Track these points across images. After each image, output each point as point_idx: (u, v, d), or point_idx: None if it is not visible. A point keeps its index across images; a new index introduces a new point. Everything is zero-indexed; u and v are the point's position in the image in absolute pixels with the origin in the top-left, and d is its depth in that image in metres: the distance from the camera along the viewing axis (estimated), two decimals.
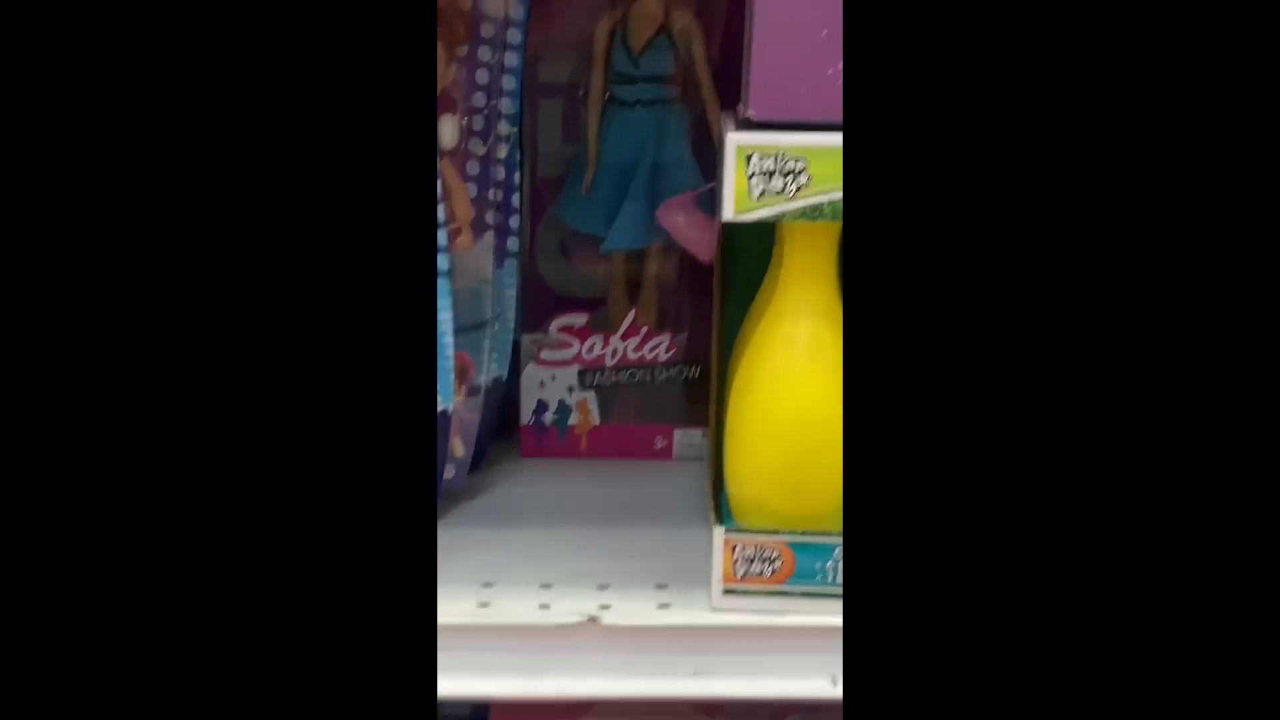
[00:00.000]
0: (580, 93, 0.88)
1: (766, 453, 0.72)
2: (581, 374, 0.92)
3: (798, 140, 0.66)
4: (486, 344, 0.85)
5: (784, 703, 0.74)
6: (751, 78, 0.67)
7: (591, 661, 0.71)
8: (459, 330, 0.80)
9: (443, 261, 0.76)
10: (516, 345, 0.90)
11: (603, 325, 0.91)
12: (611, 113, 0.87)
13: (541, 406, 0.92)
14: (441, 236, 0.76)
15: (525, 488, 0.88)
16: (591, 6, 0.87)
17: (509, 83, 0.81)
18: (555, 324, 0.90)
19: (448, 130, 0.80)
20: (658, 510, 0.83)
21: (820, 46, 0.66)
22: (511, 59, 0.81)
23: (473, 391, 0.83)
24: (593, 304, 0.91)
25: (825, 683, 0.71)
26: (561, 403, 0.92)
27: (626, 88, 0.86)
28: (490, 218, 0.83)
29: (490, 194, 0.83)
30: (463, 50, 0.80)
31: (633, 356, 0.92)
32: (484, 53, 0.80)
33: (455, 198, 0.80)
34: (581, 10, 0.87)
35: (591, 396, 0.92)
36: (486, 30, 0.80)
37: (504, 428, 0.92)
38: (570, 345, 0.92)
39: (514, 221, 0.84)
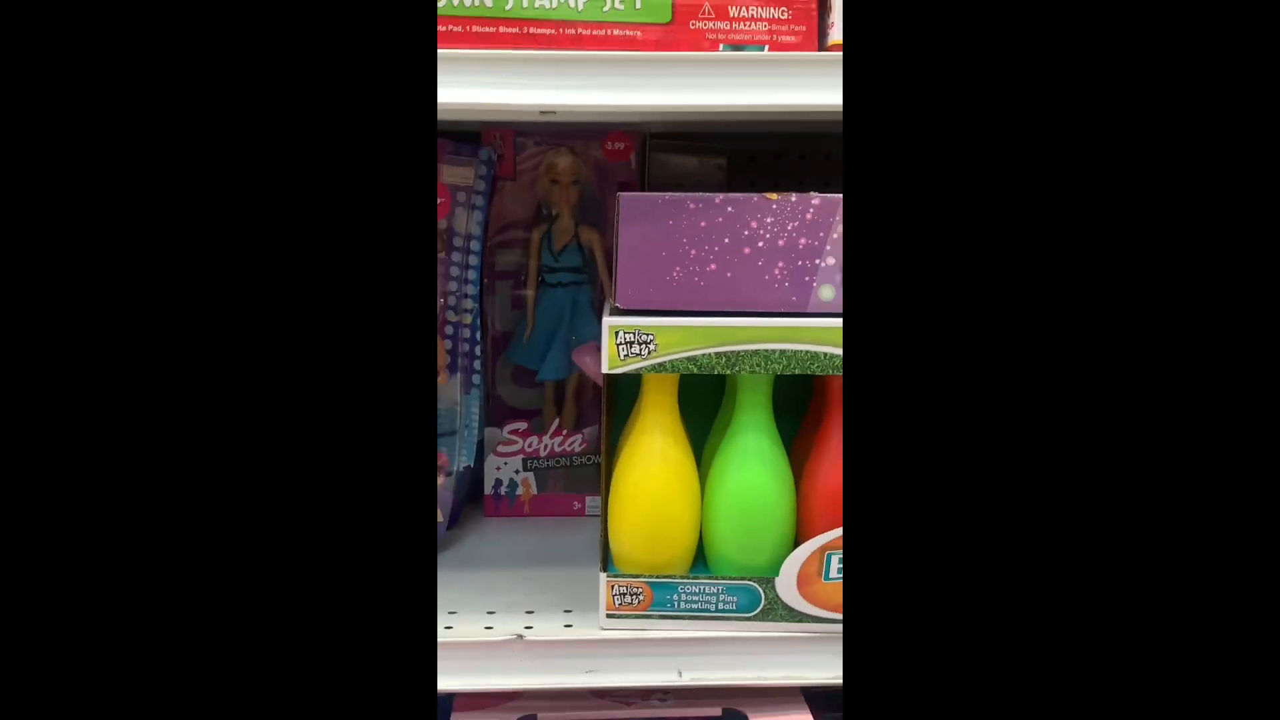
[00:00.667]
0: (522, 277, 0.89)
1: (631, 522, 0.70)
2: (524, 461, 0.92)
3: (648, 322, 0.66)
4: (457, 444, 0.84)
5: (646, 688, 0.73)
6: (617, 281, 0.67)
7: (518, 665, 0.69)
8: (438, 439, 0.80)
9: None
10: (481, 443, 0.89)
11: (538, 428, 0.91)
12: (542, 290, 0.89)
13: (498, 483, 0.91)
14: None
15: (484, 541, 0.87)
16: (527, 223, 0.88)
17: (472, 275, 0.82)
18: (507, 428, 0.90)
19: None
20: (571, 556, 0.82)
21: (661, 261, 0.66)
22: (473, 260, 0.82)
23: (448, 476, 0.83)
24: (531, 414, 0.91)
25: (673, 675, 0.70)
26: (511, 480, 0.92)
27: (551, 274, 0.88)
28: (460, 362, 0.83)
29: (461, 346, 0.83)
30: (442, 256, 0.81)
31: (558, 449, 0.92)
32: (456, 256, 0.81)
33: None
34: (521, 225, 0.88)
35: (531, 476, 0.92)
36: (458, 243, 0.81)
37: (473, 497, 0.92)
38: (516, 442, 0.91)
39: (477, 364, 0.85)
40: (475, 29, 0.63)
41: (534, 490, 0.92)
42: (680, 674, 0.69)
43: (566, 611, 0.72)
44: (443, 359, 0.81)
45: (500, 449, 0.91)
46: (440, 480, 0.81)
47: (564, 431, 0.92)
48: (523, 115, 0.74)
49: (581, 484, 0.91)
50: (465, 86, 0.62)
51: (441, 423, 0.80)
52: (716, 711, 0.73)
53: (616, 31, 0.64)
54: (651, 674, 0.69)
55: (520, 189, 0.88)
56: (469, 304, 0.83)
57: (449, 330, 0.82)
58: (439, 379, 0.80)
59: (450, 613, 0.72)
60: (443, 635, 0.69)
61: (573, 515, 0.91)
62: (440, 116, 0.78)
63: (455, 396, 0.83)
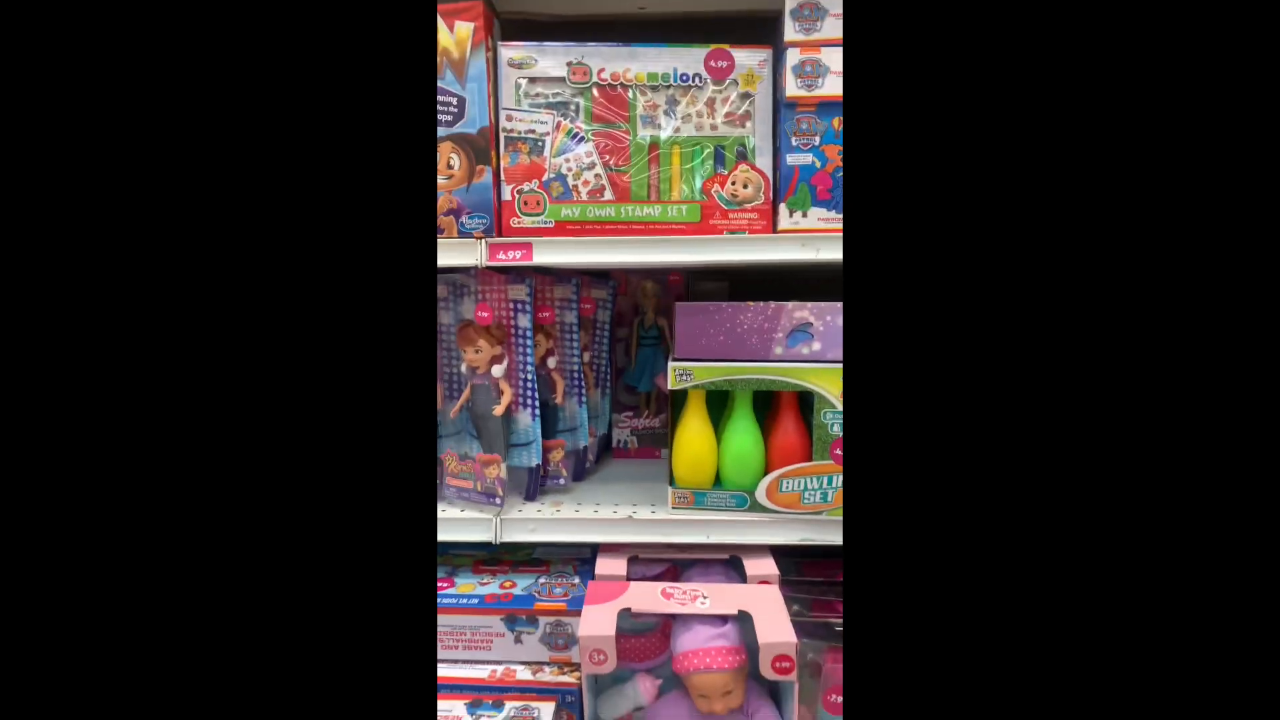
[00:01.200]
0: (629, 340, 0.89)
1: (682, 462, 0.70)
2: (631, 430, 0.90)
3: (690, 364, 0.66)
4: (600, 422, 0.85)
5: (691, 544, 0.69)
6: (675, 344, 0.68)
7: (629, 530, 0.69)
8: (590, 419, 0.80)
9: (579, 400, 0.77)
10: (610, 421, 0.89)
11: (639, 414, 0.90)
12: (639, 347, 0.88)
13: (620, 440, 0.90)
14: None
15: (614, 470, 0.86)
16: (632, 315, 0.89)
17: (605, 342, 0.84)
18: (624, 413, 0.90)
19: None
20: (655, 477, 0.81)
21: (696, 334, 0.66)
22: (606, 334, 0.83)
23: (595, 438, 0.84)
24: (635, 407, 0.90)
25: (704, 537, 0.68)
26: (626, 439, 0.90)
27: (644, 340, 0.88)
28: (600, 384, 0.84)
29: (600, 376, 0.84)
30: (590, 333, 0.82)
31: (648, 424, 0.91)
32: (597, 334, 0.83)
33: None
34: (629, 317, 0.89)
35: (635, 438, 0.91)
36: (598, 327, 0.83)
37: (607, 448, 0.91)
38: (627, 423, 0.90)
39: (606, 383, 0.86)
40: (607, 226, 0.65)
41: (637, 445, 0.91)
42: (708, 537, 0.68)
43: (652, 505, 0.72)
44: (592, 381, 0.83)
45: (620, 424, 0.90)
46: (590, 441, 0.82)
47: (650, 415, 0.91)
48: (629, 266, 0.78)
49: (660, 442, 0.90)
50: (601, 254, 0.65)
51: (590, 411, 0.81)
52: (725, 556, 0.72)
53: (675, 225, 0.65)
54: (693, 536, 0.69)
55: (629, 298, 0.89)
56: (604, 356, 0.84)
57: (594, 367, 0.82)
58: (592, 394, 0.80)
59: (596, 504, 0.72)
60: (593, 514, 0.69)
61: (655, 458, 0.89)
62: (589, 267, 0.80)
63: (598, 399, 0.84)
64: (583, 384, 0.79)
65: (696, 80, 0.66)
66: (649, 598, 0.64)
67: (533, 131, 0.66)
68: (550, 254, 0.66)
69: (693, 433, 0.70)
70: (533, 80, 0.66)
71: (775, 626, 0.59)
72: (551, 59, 0.66)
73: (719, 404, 0.73)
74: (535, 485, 0.74)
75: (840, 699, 0.64)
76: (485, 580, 0.74)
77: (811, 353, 0.67)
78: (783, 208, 0.65)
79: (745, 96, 0.67)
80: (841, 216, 0.66)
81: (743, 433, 0.69)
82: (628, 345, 0.89)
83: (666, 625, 0.65)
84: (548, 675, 0.68)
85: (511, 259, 0.65)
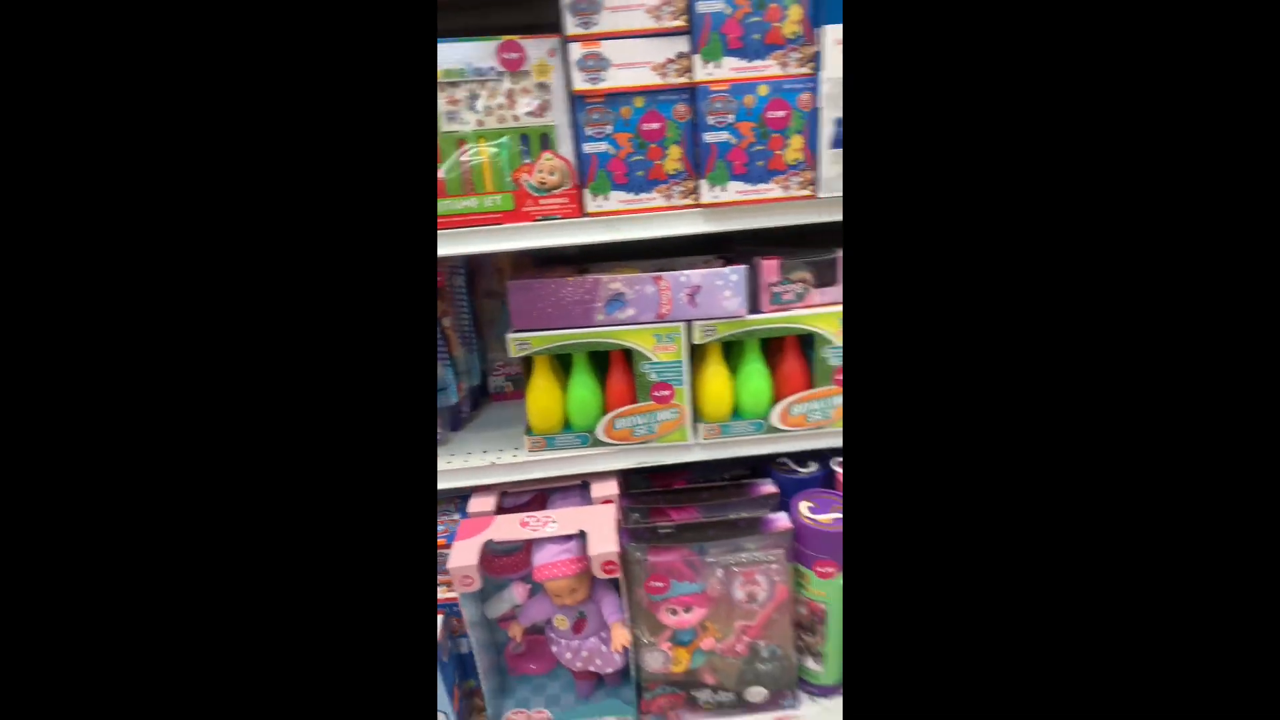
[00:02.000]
0: (497, 297, 0.93)
1: (534, 413, 0.77)
2: (506, 377, 0.96)
3: (526, 334, 0.72)
4: (471, 375, 0.90)
5: (547, 478, 0.78)
6: (511, 315, 0.73)
7: (494, 473, 0.76)
8: (457, 375, 0.85)
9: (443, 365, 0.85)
10: (485, 371, 0.94)
11: (511, 363, 0.95)
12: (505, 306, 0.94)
13: (497, 387, 0.96)
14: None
15: (490, 414, 0.92)
16: (497, 273, 0.94)
17: (463, 302, 0.88)
18: (497, 362, 0.95)
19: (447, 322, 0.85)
20: (518, 424, 0.85)
21: (528, 306, 0.72)
22: (462, 296, 0.88)
23: (464, 391, 0.88)
24: (507, 360, 0.95)
25: (557, 472, 0.76)
26: (500, 385, 0.96)
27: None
28: (465, 342, 0.88)
29: (468, 334, 0.89)
30: (447, 300, 0.84)
31: (520, 371, 0.95)
32: (455, 297, 0.87)
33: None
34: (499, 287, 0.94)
35: (510, 383, 0.96)
36: (454, 293, 0.87)
37: (485, 394, 0.96)
38: (501, 370, 0.96)
39: (472, 340, 0.90)
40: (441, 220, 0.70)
41: (512, 388, 0.96)
42: (561, 470, 0.78)
43: (515, 450, 0.79)
44: (456, 341, 0.87)
45: (495, 371, 0.96)
46: (463, 390, 0.87)
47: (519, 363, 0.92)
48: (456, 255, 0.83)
49: None
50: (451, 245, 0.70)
51: (458, 368, 0.86)
52: (578, 482, 0.83)
53: (491, 214, 0.68)
54: (547, 472, 0.78)
55: (489, 268, 0.91)
56: (465, 316, 0.89)
57: (456, 328, 0.87)
58: (457, 353, 0.85)
59: (467, 453, 0.80)
60: (463, 463, 0.77)
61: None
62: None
63: (464, 356, 0.89)
64: (445, 347, 0.85)
65: (493, 73, 0.68)
66: (510, 528, 0.77)
67: None
68: None
69: (539, 390, 0.78)
70: None
71: (603, 540, 0.75)
72: None
73: (569, 360, 0.79)
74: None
75: (658, 584, 0.82)
76: None
77: (628, 317, 0.76)
78: (586, 193, 0.69)
79: (542, 86, 0.69)
80: (638, 199, 0.73)
81: (582, 385, 0.78)
82: (501, 302, 0.91)
83: (529, 545, 0.81)
84: (438, 593, 0.84)
85: None
